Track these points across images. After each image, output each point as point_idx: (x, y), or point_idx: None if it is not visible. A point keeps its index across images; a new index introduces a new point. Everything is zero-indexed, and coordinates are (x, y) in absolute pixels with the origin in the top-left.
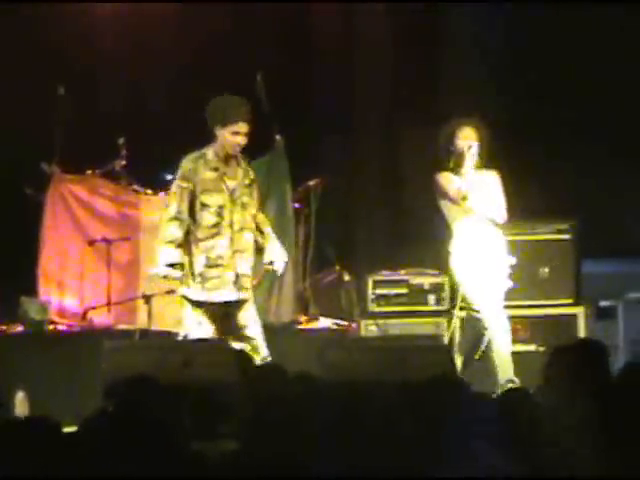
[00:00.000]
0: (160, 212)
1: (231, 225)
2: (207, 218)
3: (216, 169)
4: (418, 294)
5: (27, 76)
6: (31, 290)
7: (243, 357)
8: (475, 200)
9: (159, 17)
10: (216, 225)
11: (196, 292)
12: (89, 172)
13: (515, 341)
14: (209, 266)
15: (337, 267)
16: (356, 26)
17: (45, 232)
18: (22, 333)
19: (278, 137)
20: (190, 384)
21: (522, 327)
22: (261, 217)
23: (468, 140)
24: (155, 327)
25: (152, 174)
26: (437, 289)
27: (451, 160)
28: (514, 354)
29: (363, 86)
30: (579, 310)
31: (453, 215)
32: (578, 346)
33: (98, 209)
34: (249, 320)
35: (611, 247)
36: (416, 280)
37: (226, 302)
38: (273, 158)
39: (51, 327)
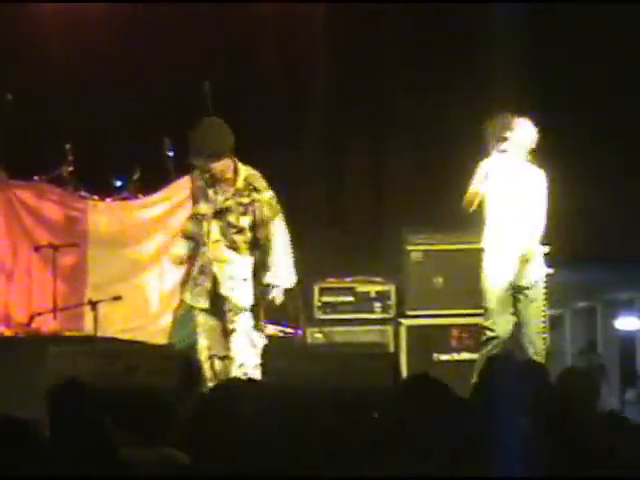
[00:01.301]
0: (107, 218)
1: (208, 234)
2: (198, 225)
3: (206, 180)
4: (364, 302)
5: None
6: None
7: (187, 363)
8: (519, 196)
9: (107, 22)
10: (201, 234)
11: (189, 297)
12: (36, 178)
13: (461, 349)
14: (198, 272)
15: None
16: (299, 37)
17: None
18: None
19: None
20: (133, 390)
21: (467, 335)
22: (265, 235)
23: (525, 131)
24: (101, 333)
25: (99, 180)
26: (383, 297)
27: (500, 150)
28: (460, 362)
29: (309, 99)
30: None
31: (488, 208)
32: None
33: (45, 215)
34: (231, 330)
35: (558, 257)
36: (362, 288)
37: (204, 309)
38: None
39: None
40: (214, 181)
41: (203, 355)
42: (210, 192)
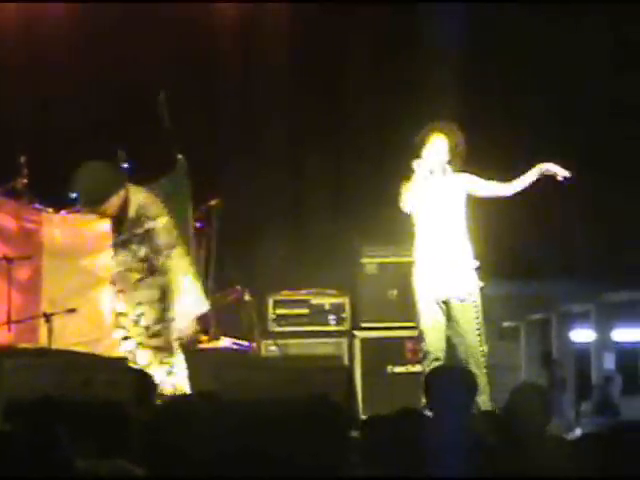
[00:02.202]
0: (62, 230)
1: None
2: None
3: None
4: (319, 314)
5: None
6: None
7: (141, 376)
8: (442, 207)
9: (61, 31)
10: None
11: None
12: None
13: (415, 361)
14: None
15: (238, 287)
16: (259, 45)
17: None
18: None
19: (180, 157)
20: (89, 403)
21: (415, 347)
22: (163, 264)
23: (434, 147)
24: (55, 346)
25: (54, 192)
26: (338, 309)
27: (420, 166)
28: (414, 374)
29: (266, 108)
30: None
31: (416, 224)
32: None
33: None
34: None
35: (513, 269)
36: (317, 300)
37: None
38: (175, 177)
39: None
40: (108, 218)
41: None
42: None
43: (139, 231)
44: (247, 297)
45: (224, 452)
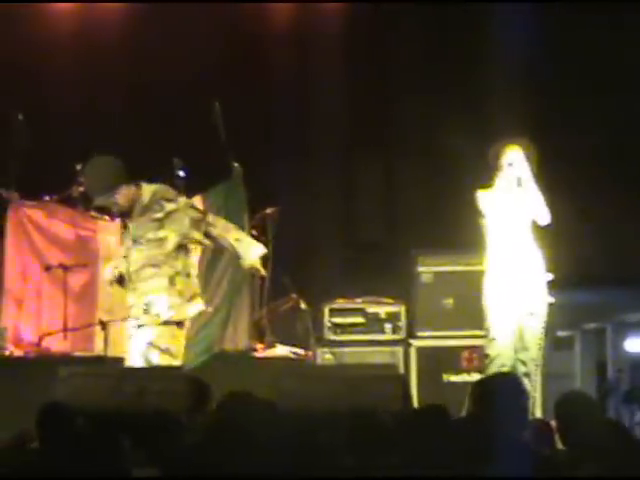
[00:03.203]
0: (117, 238)
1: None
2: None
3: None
4: (374, 323)
5: None
6: None
7: (196, 384)
8: (517, 219)
9: (115, 39)
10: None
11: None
12: (47, 198)
13: (471, 370)
14: None
15: (294, 295)
16: (312, 55)
17: (6, 257)
18: None
19: (236, 165)
20: (143, 412)
21: (477, 357)
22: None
23: (513, 159)
24: (111, 354)
25: None
26: (393, 318)
27: (495, 178)
28: (470, 384)
29: (321, 117)
30: None
31: (490, 234)
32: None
33: (55, 234)
34: None
35: (568, 278)
36: (372, 309)
37: None
38: (231, 185)
39: (7, 353)
40: (123, 213)
41: None
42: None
43: (159, 215)
44: (303, 305)
45: (281, 461)
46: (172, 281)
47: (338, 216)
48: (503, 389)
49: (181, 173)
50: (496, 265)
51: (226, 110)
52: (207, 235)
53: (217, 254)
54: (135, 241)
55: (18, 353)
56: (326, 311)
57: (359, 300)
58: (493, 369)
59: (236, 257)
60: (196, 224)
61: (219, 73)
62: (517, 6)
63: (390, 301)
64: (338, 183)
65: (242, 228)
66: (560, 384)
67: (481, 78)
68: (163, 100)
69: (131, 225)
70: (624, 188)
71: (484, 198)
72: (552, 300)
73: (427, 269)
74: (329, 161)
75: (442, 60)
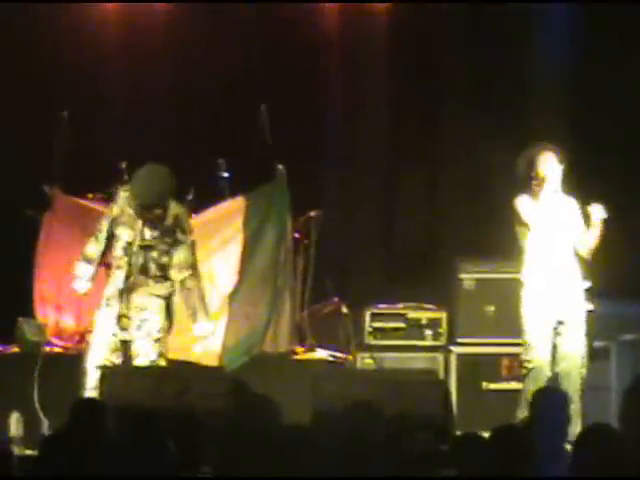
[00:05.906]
0: None
1: (129, 264)
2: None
3: (137, 211)
4: (415, 328)
5: (29, 97)
6: (28, 311)
7: (237, 386)
8: (555, 225)
9: (162, 44)
10: (121, 258)
11: None
12: (90, 195)
13: (511, 379)
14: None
15: (335, 299)
16: (360, 61)
17: (41, 253)
18: (18, 354)
19: (280, 167)
20: (184, 412)
21: (518, 365)
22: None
23: (549, 164)
24: None
25: None
26: (434, 324)
27: (532, 185)
28: (510, 392)
29: (365, 124)
30: None
31: (527, 241)
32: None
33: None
34: None
35: (604, 288)
36: (414, 314)
37: None
38: (275, 187)
39: (48, 349)
40: (145, 216)
41: None
42: (139, 223)
43: (169, 240)
44: (344, 309)
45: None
46: (167, 305)
47: (382, 221)
48: (548, 405)
49: (225, 174)
50: (534, 272)
51: (272, 113)
52: (183, 281)
53: (258, 255)
54: (143, 248)
55: (58, 347)
56: (367, 316)
57: (400, 305)
58: (531, 381)
59: (192, 314)
60: (178, 266)
61: (265, 75)
62: (565, 24)
63: (432, 307)
64: (383, 187)
65: (284, 230)
66: (595, 396)
67: (526, 94)
68: (208, 101)
69: (145, 231)
70: None
71: (523, 204)
72: (591, 307)
73: (469, 276)
74: (374, 166)
75: (488, 75)
